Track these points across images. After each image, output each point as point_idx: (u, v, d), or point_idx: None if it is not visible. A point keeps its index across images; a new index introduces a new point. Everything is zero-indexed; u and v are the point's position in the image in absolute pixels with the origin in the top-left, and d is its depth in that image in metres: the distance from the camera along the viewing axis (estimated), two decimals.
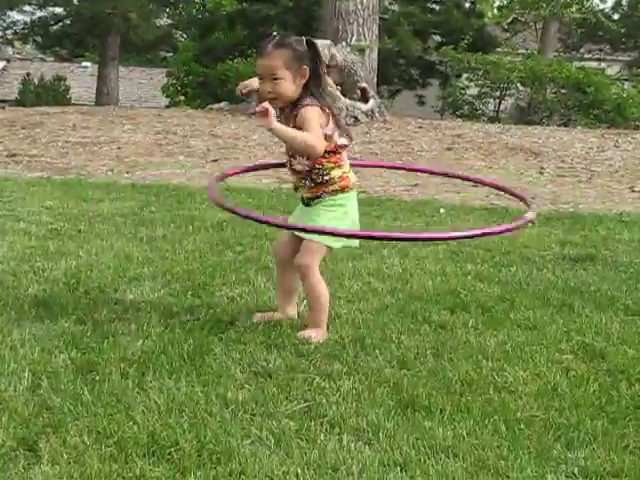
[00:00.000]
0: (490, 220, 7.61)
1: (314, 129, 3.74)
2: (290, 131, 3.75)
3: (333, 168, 3.90)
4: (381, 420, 2.98)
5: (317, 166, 3.88)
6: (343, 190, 3.94)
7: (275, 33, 4.05)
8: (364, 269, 5.27)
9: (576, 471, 2.70)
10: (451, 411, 3.09)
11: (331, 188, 3.92)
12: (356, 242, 4.22)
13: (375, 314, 4.33)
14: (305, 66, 3.81)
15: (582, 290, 4.97)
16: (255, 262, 5.23)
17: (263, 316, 4.10)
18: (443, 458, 2.74)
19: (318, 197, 3.95)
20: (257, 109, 3.65)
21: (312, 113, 3.77)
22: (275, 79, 3.79)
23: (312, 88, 3.85)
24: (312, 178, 3.93)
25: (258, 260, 5.30)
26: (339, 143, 3.88)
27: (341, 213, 3.95)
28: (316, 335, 3.85)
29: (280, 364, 3.49)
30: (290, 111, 3.85)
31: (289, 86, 3.80)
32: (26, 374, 3.23)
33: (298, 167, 3.94)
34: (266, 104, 3.64)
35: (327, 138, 3.81)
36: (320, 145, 3.75)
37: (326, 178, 3.91)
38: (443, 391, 3.28)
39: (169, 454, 2.67)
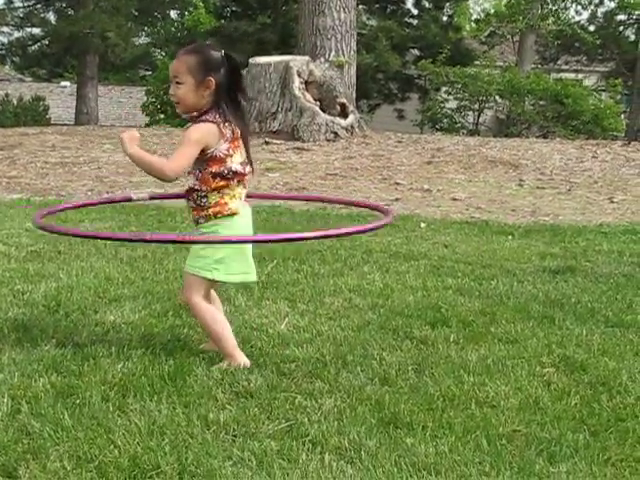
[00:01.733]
0: (471, 234, 7.63)
1: (179, 153, 3.60)
2: (141, 157, 3.57)
3: (212, 192, 3.68)
4: (363, 438, 2.98)
5: (197, 187, 3.71)
6: (215, 216, 3.69)
7: (207, 43, 3.95)
8: (345, 285, 5.27)
9: None
10: (433, 427, 3.09)
11: (204, 213, 3.71)
12: (253, 277, 3.89)
13: (356, 331, 4.33)
14: (211, 78, 3.63)
15: (563, 302, 4.99)
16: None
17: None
18: (425, 475, 2.73)
19: (196, 221, 3.78)
20: (123, 135, 3.59)
21: (194, 134, 3.61)
22: (177, 83, 3.66)
23: (222, 103, 3.67)
24: (193, 199, 3.75)
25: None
26: (233, 168, 3.67)
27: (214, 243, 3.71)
28: (227, 366, 3.67)
29: (261, 383, 3.48)
30: (194, 121, 3.70)
31: (189, 93, 3.64)
32: (5, 399, 3.21)
33: (189, 178, 3.77)
34: (132, 132, 3.61)
35: (215, 160, 3.64)
36: (169, 170, 3.56)
37: (203, 201, 3.70)
38: (425, 407, 3.28)
39: (150, 477, 2.66)
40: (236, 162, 3.69)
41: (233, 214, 3.71)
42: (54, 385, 3.38)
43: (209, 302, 3.82)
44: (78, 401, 3.23)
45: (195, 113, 3.70)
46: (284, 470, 2.73)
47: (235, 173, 3.69)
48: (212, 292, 3.93)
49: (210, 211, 3.70)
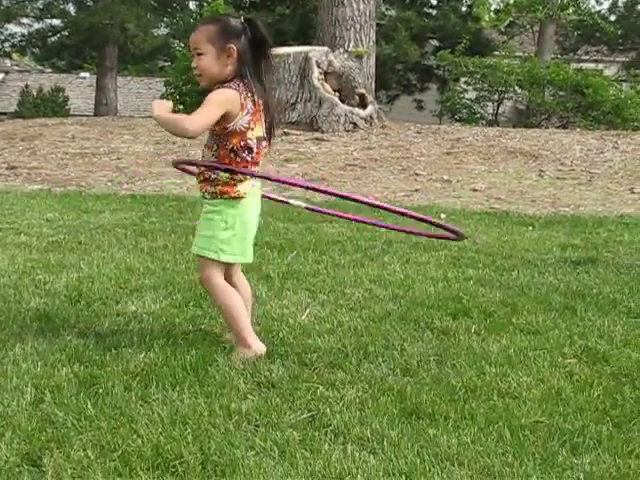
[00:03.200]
0: (491, 224, 7.60)
1: (198, 111, 3.48)
2: (164, 116, 3.51)
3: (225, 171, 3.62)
4: (385, 429, 2.97)
5: (214, 161, 3.64)
6: (222, 196, 3.63)
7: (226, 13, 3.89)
8: (365, 276, 5.26)
9: (582, 477, 2.68)
10: (455, 418, 3.08)
11: (211, 189, 3.65)
12: (249, 259, 3.83)
13: (377, 321, 4.33)
14: (232, 44, 3.56)
15: (584, 293, 4.97)
16: (257, 271, 5.21)
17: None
18: (448, 466, 2.72)
19: (203, 195, 3.71)
20: (154, 102, 3.56)
21: (217, 96, 3.52)
22: (199, 54, 3.60)
23: (245, 71, 3.59)
24: (206, 174, 3.68)
25: (259, 269, 5.29)
26: (249, 144, 3.60)
27: (220, 222, 3.65)
28: (241, 356, 3.62)
29: (283, 374, 3.48)
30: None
31: (211, 62, 3.57)
32: (29, 389, 3.22)
33: (205, 151, 3.72)
34: (163, 101, 3.58)
35: (235, 134, 3.58)
36: (190, 125, 3.43)
37: (213, 176, 3.64)
38: (447, 398, 3.27)
39: (173, 467, 2.66)
40: (254, 136, 3.62)
41: (240, 197, 3.66)
42: (77, 375, 3.39)
43: (232, 285, 3.78)
44: (101, 391, 3.24)
45: (218, 85, 3.61)
46: (306, 460, 2.73)
47: (250, 150, 3.62)
48: (241, 277, 3.92)
49: (217, 189, 3.64)
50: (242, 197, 3.66)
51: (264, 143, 3.70)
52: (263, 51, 3.67)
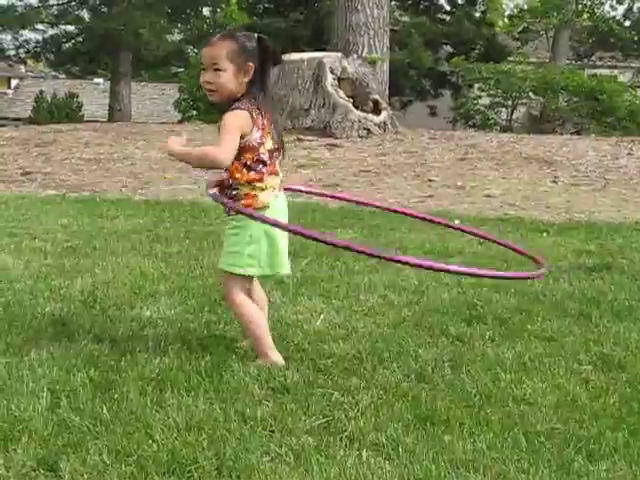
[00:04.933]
0: (505, 230, 7.59)
1: (223, 139, 3.55)
2: (188, 153, 3.60)
3: (244, 185, 3.65)
4: (400, 435, 2.97)
5: (230, 179, 3.67)
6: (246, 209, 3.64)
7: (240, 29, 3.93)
8: (380, 282, 5.26)
9: None
10: (470, 424, 3.07)
11: (234, 206, 3.65)
12: (283, 270, 3.84)
13: (392, 327, 4.32)
14: (251, 63, 3.62)
15: (599, 300, 4.95)
16: (270, 277, 5.20)
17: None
18: (464, 473, 2.72)
19: (228, 212, 3.74)
20: (168, 143, 3.61)
21: (234, 119, 3.57)
22: (216, 69, 3.62)
23: (253, 89, 3.65)
24: (224, 190, 3.70)
25: (273, 275, 5.27)
26: (262, 158, 3.64)
27: (244, 237, 3.67)
28: (261, 365, 3.63)
29: (298, 379, 3.48)
30: (226, 108, 3.66)
31: (230, 79, 3.61)
32: (45, 394, 3.23)
33: (221, 176, 3.74)
34: (178, 139, 3.60)
35: (248, 149, 3.61)
36: (222, 155, 3.54)
37: (233, 193, 3.66)
38: (462, 404, 3.26)
39: (189, 472, 2.66)
40: (266, 150, 3.66)
41: (264, 207, 3.67)
42: (92, 380, 3.40)
43: (251, 298, 3.80)
44: (116, 396, 3.24)
45: (230, 102, 3.65)
46: (322, 466, 2.73)
47: (264, 164, 3.66)
48: (257, 288, 3.93)
49: (241, 204, 3.64)
50: (267, 207, 3.66)
51: (276, 153, 3.74)
52: (270, 68, 3.73)
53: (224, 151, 3.55)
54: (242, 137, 3.60)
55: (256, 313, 3.77)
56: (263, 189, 3.67)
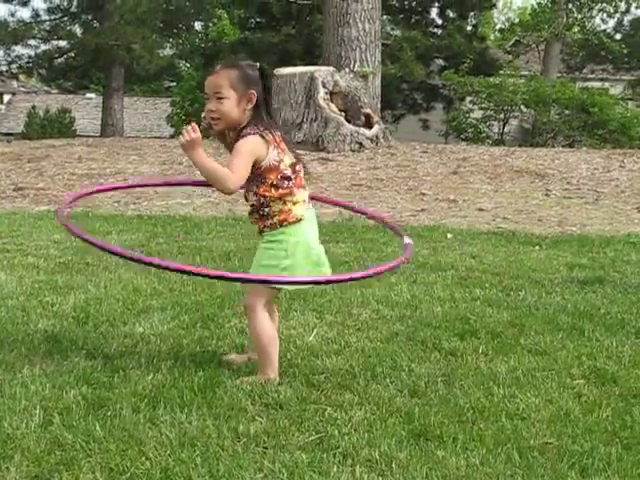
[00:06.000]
0: (498, 244, 7.60)
1: (236, 164, 3.59)
2: (204, 162, 3.61)
3: (275, 201, 3.71)
4: (393, 450, 2.97)
5: (261, 199, 3.72)
6: (282, 224, 3.72)
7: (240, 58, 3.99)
8: (372, 296, 5.26)
9: None
10: (464, 440, 3.07)
11: (269, 222, 3.73)
12: (326, 269, 3.86)
13: (385, 342, 4.32)
14: (253, 91, 3.69)
15: (592, 313, 4.96)
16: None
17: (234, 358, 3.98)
18: None
19: (261, 231, 3.79)
20: (183, 138, 3.59)
21: (245, 146, 3.63)
22: (219, 98, 3.68)
23: (261, 115, 3.72)
24: (257, 210, 3.77)
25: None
26: (285, 174, 3.70)
27: (279, 251, 3.71)
28: (255, 380, 3.64)
29: (291, 395, 3.48)
30: (234, 138, 3.72)
31: (233, 107, 3.67)
32: (37, 411, 3.22)
33: (248, 197, 3.79)
34: (194, 134, 3.59)
35: (270, 170, 3.67)
36: (232, 184, 3.59)
37: (266, 211, 3.72)
38: (455, 419, 3.26)
39: None
40: (287, 166, 3.72)
41: (299, 220, 3.74)
42: (85, 397, 3.39)
43: (269, 312, 3.82)
44: (109, 413, 3.24)
45: (237, 131, 3.72)
46: None
47: (289, 179, 3.72)
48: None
49: (275, 219, 3.72)
50: (301, 219, 3.74)
51: (298, 167, 3.80)
52: (272, 96, 3.83)
53: (235, 181, 3.60)
54: (259, 162, 3.66)
55: (273, 334, 3.79)
56: (295, 203, 3.74)
